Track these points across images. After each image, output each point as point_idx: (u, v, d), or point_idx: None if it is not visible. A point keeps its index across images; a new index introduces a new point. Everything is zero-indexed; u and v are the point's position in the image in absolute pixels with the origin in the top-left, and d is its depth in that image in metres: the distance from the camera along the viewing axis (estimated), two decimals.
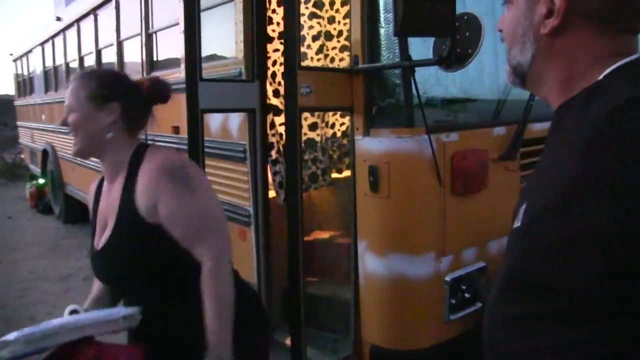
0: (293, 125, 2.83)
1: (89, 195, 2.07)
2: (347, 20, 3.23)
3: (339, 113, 3.73)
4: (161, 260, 1.79)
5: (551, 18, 1.02)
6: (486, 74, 3.28)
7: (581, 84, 1.02)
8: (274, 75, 3.51)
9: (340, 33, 3.67)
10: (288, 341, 3.13)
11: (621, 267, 0.84)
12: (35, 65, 10.36)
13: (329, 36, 3.66)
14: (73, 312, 1.84)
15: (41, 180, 10.35)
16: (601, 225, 0.83)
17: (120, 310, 1.75)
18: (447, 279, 2.91)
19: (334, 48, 3.69)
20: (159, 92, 1.96)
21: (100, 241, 1.87)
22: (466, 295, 3.00)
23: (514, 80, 1.14)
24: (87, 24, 6.98)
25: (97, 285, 2.04)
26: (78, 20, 7.31)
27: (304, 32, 3.61)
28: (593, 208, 0.84)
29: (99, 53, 6.61)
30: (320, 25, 3.67)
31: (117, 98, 1.85)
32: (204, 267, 1.74)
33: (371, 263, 2.91)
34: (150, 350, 1.75)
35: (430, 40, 2.68)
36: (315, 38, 3.63)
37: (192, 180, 1.79)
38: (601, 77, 0.99)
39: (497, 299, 1.08)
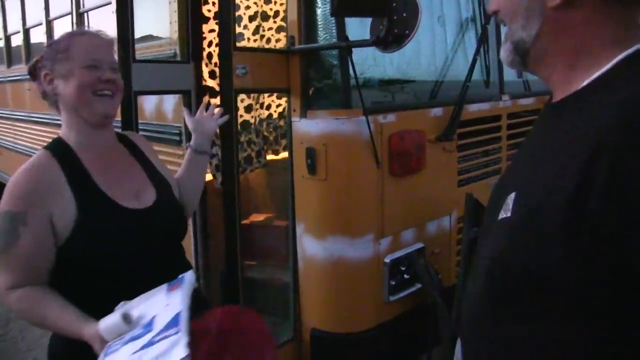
0: (229, 107, 2.77)
1: (52, 174, 1.70)
2: (284, 0, 3.18)
3: (274, 94, 3.69)
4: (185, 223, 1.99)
5: None
6: (423, 55, 3.29)
7: (592, 62, 0.98)
8: (209, 56, 3.43)
9: (276, 14, 3.62)
10: None
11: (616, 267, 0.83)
12: None
13: (265, 17, 3.61)
14: (125, 315, 1.49)
15: None
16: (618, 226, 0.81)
17: (190, 276, 1.55)
18: (387, 260, 2.91)
19: (270, 29, 3.64)
20: None
21: (143, 201, 1.80)
22: (405, 276, 3.02)
23: (513, 59, 1.09)
24: (13, 1, 6.69)
25: (57, 296, 1.67)
26: None
27: (240, 12, 3.55)
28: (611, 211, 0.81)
29: (26, 32, 6.34)
30: (257, 6, 3.62)
31: None
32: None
33: (310, 246, 2.90)
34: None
35: (368, 21, 2.66)
36: (252, 18, 3.57)
37: None
38: (613, 63, 0.95)
39: (482, 289, 1.06)
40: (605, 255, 0.83)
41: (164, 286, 1.54)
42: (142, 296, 1.54)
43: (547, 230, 0.87)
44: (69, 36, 1.78)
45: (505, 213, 1.00)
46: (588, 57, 0.98)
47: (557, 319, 0.92)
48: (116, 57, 1.84)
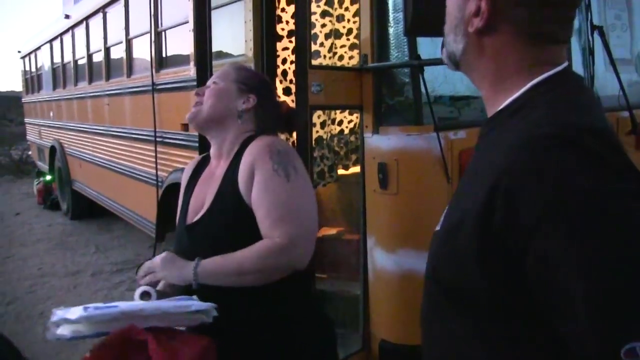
0: (304, 123, 2.86)
1: (185, 173, 2.09)
2: (357, 19, 3.26)
3: (346, 110, 3.77)
4: (249, 243, 1.68)
5: (477, 18, 1.05)
6: None
7: (509, 86, 1.07)
8: (284, 73, 3.55)
9: (349, 31, 3.71)
10: None
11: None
12: (44, 62, 10.43)
13: (337, 34, 3.70)
14: (144, 293, 1.70)
15: (48, 177, 10.42)
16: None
17: (193, 304, 1.56)
18: None
19: (342, 46, 3.73)
20: (291, 120, 2.08)
21: (194, 217, 1.86)
22: None
23: (448, 64, 1.20)
24: (96, 22, 7.03)
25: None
26: (87, 18, 7.37)
27: (316, 30, 3.65)
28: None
29: (107, 50, 6.66)
30: (331, 24, 3.71)
31: (256, 93, 1.93)
32: (272, 241, 1.66)
33: (380, 259, 2.96)
34: (221, 345, 1.62)
35: (438, 39, 2.71)
36: (327, 36, 3.67)
37: (290, 168, 1.74)
38: (523, 90, 1.04)
39: (428, 290, 1.17)
40: (509, 265, 0.92)
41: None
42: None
43: (463, 245, 0.98)
44: None
45: (438, 226, 1.13)
46: (506, 80, 1.07)
47: (477, 319, 1.02)
48: (230, 75, 1.96)
